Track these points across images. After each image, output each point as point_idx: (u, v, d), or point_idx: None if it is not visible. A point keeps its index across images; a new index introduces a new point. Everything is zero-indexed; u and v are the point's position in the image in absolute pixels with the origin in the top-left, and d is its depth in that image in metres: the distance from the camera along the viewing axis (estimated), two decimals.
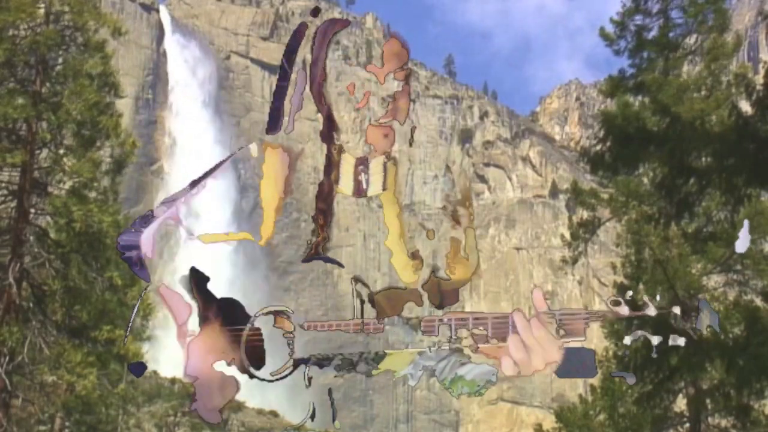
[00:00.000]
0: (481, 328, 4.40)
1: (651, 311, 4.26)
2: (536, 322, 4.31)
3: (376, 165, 4.88)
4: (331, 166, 4.85)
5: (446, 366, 4.47)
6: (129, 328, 22.55)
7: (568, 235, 27.29)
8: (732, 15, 29.13)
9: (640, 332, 4.41)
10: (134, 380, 32.77)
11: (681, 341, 4.31)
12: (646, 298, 4.30)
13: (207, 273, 4.70)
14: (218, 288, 4.69)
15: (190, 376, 4.60)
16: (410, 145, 4.98)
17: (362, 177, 4.86)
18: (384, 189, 4.88)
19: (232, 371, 4.60)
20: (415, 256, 4.78)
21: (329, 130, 4.87)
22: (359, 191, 4.87)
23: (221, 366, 4.58)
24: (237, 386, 4.63)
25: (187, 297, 4.67)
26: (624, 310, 4.26)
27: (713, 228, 24.31)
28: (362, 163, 4.87)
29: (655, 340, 4.34)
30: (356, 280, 4.66)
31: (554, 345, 4.28)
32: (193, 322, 4.66)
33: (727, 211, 22.31)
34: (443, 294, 4.64)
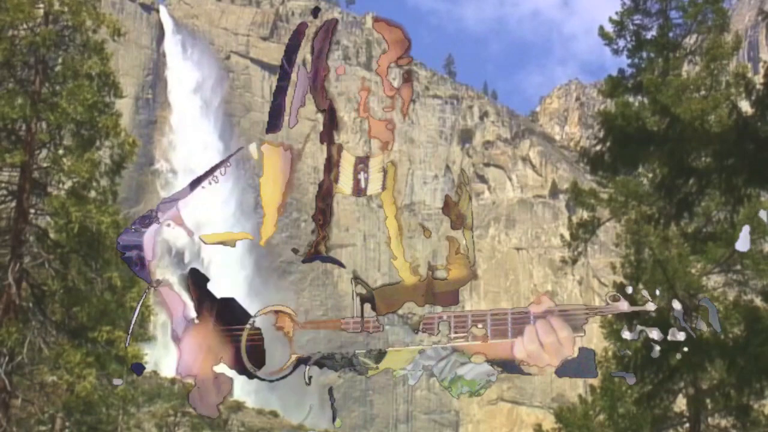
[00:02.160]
0: (480, 326, 4.40)
1: (650, 307, 4.25)
2: (556, 319, 4.30)
3: (375, 165, 4.88)
4: (331, 164, 4.85)
5: (446, 366, 4.46)
6: (130, 331, 22.53)
7: (567, 235, 27.29)
8: (732, 15, 29.17)
9: (639, 327, 4.40)
10: (134, 380, 32.75)
11: (681, 336, 4.30)
12: (645, 293, 4.30)
13: (226, 276, 4.72)
14: (239, 290, 4.69)
15: (182, 374, 4.61)
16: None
17: (361, 176, 4.86)
18: (383, 189, 4.88)
19: (223, 369, 4.61)
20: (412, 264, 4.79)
21: (330, 127, 4.87)
22: (358, 191, 4.88)
23: (214, 365, 4.60)
24: (230, 384, 4.64)
25: (185, 296, 4.67)
26: (623, 305, 4.25)
27: (713, 228, 24.30)
28: (362, 162, 4.88)
29: (654, 333, 4.33)
30: (355, 277, 4.66)
31: (571, 342, 4.28)
32: (187, 320, 4.66)
33: (727, 211, 22.29)
34: (441, 295, 4.64)
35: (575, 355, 4.28)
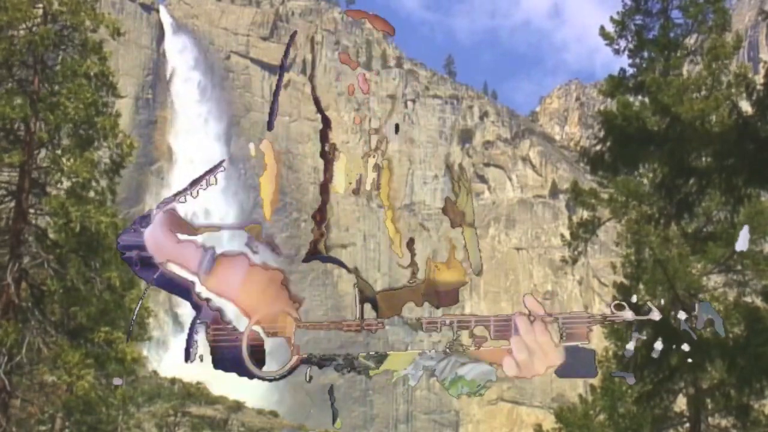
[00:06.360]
0: (483, 329, 4.39)
1: (655, 315, 4.22)
2: (539, 326, 4.29)
3: (369, 164, 4.88)
4: (326, 163, 4.87)
5: (446, 366, 4.45)
6: (130, 333, 22.53)
7: (568, 235, 27.28)
8: (732, 15, 29.16)
9: (639, 335, 4.38)
10: (134, 380, 32.74)
11: (684, 346, 4.28)
12: (649, 304, 4.26)
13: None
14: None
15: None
16: (395, 131, 4.95)
17: (355, 176, 4.87)
18: (377, 189, 4.88)
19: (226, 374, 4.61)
20: (409, 247, 4.77)
21: (325, 127, 4.88)
22: (352, 190, 4.89)
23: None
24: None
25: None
26: (628, 314, 4.22)
27: (713, 228, 24.30)
28: (357, 162, 4.89)
29: (657, 344, 4.31)
30: (357, 277, 4.65)
31: (556, 350, 4.27)
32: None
33: (727, 211, 22.30)
34: (441, 294, 4.63)
35: (561, 361, 4.26)
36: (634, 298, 4.27)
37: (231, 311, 4.60)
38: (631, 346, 4.40)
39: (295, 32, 5.03)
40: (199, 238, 4.64)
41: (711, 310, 4.27)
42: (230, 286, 4.62)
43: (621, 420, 24.91)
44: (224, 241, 4.73)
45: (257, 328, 4.63)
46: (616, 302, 4.25)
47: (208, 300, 4.61)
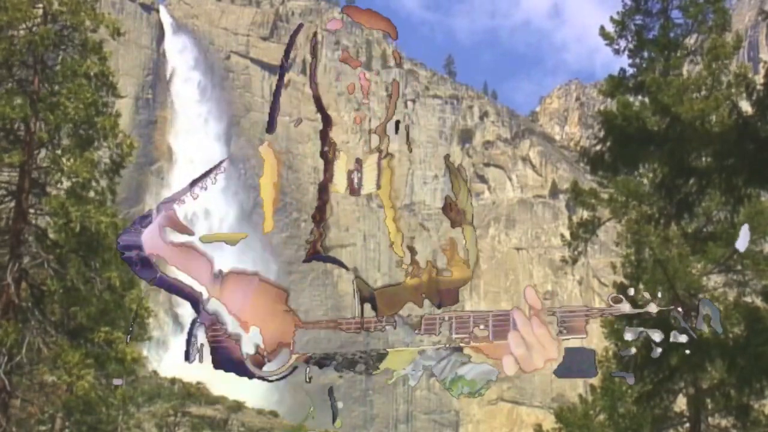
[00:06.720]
0: (482, 326, 4.38)
1: (652, 308, 4.22)
2: (537, 320, 4.29)
3: (369, 163, 4.88)
4: (326, 163, 4.87)
5: (446, 366, 4.45)
6: (130, 333, 22.51)
7: (568, 235, 27.28)
8: (732, 15, 29.15)
9: (641, 329, 4.38)
10: (134, 380, 32.75)
11: (683, 338, 4.28)
12: (647, 295, 4.27)
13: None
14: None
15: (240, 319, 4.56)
16: (408, 147, 4.98)
17: (354, 176, 4.86)
18: (378, 188, 4.88)
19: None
20: (411, 251, 4.77)
21: (325, 127, 4.89)
22: (352, 190, 4.88)
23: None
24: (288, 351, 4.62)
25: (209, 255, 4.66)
26: (625, 307, 4.23)
27: (713, 228, 24.30)
28: (356, 161, 4.89)
29: (657, 336, 4.30)
30: (356, 277, 4.65)
31: (554, 343, 4.27)
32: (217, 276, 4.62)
33: (727, 211, 22.30)
34: (442, 294, 4.63)
35: (559, 356, 4.26)
36: (631, 291, 4.27)
37: (234, 324, 4.60)
38: (629, 335, 4.39)
39: (301, 25, 5.03)
40: (207, 252, 4.65)
41: (710, 306, 4.28)
42: (238, 303, 4.62)
43: (621, 420, 24.90)
44: (231, 259, 4.75)
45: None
46: (614, 295, 4.26)
47: (215, 314, 4.61)
